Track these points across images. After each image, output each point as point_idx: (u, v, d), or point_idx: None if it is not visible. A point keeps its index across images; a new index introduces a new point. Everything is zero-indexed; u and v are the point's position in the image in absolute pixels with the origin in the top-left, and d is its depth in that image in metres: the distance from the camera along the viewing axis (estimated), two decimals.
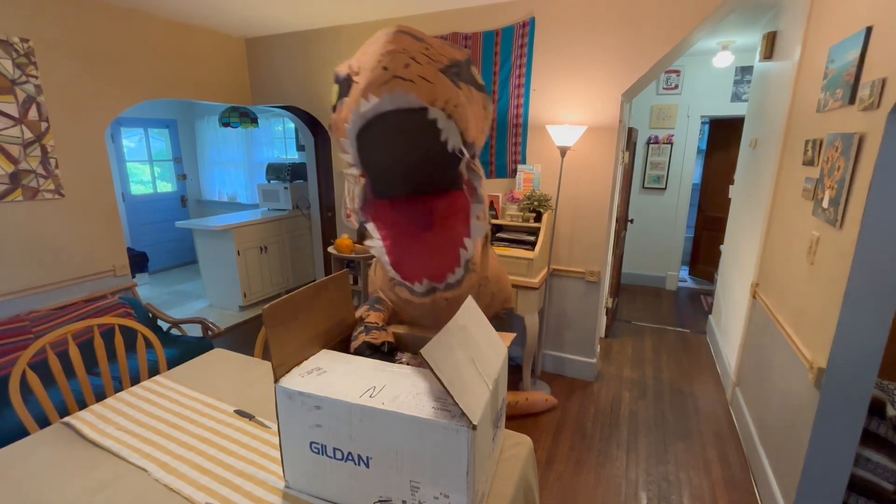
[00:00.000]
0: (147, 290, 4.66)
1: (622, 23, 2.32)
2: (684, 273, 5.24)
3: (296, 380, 0.96)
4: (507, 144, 2.72)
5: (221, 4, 2.62)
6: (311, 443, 0.94)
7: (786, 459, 1.68)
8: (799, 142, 1.95)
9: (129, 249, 4.80)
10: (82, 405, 1.87)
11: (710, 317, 3.66)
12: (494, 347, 1.06)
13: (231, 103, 3.44)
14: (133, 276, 4.79)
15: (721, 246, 3.61)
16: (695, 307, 4.26)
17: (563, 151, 2.44)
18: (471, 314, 0.98)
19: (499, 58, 2.60)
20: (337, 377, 0.98)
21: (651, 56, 2.30)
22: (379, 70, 0.76)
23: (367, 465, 0.90)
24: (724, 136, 4.67)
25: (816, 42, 1.87)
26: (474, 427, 0.79)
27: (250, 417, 1.29)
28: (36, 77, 2.22)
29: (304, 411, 0.93)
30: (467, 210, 1.01)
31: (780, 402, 1.82)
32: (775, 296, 2.03)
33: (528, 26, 2.50)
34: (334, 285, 1.13)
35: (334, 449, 0.92)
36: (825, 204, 1.54)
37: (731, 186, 3.52)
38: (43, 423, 1.66)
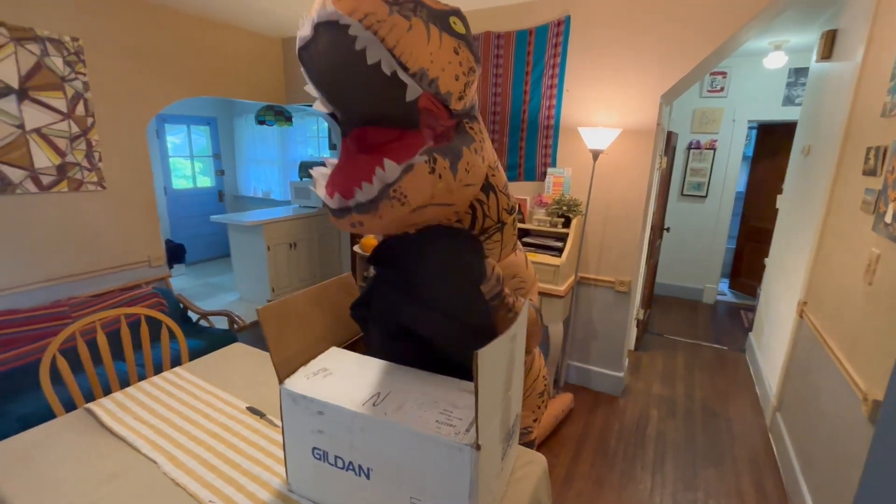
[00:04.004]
0: (183, 280, 4.85)
1: (663, 21, 2.20)
2: (724, 286, 4.96)
3: (301, 382, 0.93)
4: (537, 147, 2.64)
5: (261, 6, 2.68)
6: (314, 448, 0.92)
7: (831, 496, 1.53)
8: (859, 149, 1.78)
9: (168, 241, 5.02)
10: (108, 392, 1.94)
11: (750, 334, 3.44)
12: (519, 360, 1.00)
13: (267, 101, 3.52)
14: (171, 267, 5.00)
15: (765, 259, 3.38)
16: (734, 323, 4.01)
17: (596, 155, 2.34)
18: (521, 323, 0.92)
19: (531, 58, 2.53)
20: (343, 380, 0.95)
21: (693, 57, 2.17)
22: None
23: (368, 477, 0.86)
24: (772, 142, 4.39)
25: (882, 41, 1.70)
26: (478, 447, 0.74)
27: (261, 415, 1.29)
28: (84, 74, 2.33)
29: (307, 416, 0.90)
30: (417, 146, 0.93)
31: (826, 434, 1.66)
32: (826, 317, 1.86)
33: (563, 25, 2.41)
34: (337, 287, 1.10)
35: (335, 457, 0.89)
36: (888, 218, 1.39)
37: (779, 196, 3.29)
38: (71, 407, 1.73)
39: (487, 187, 1.16)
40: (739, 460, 2.19)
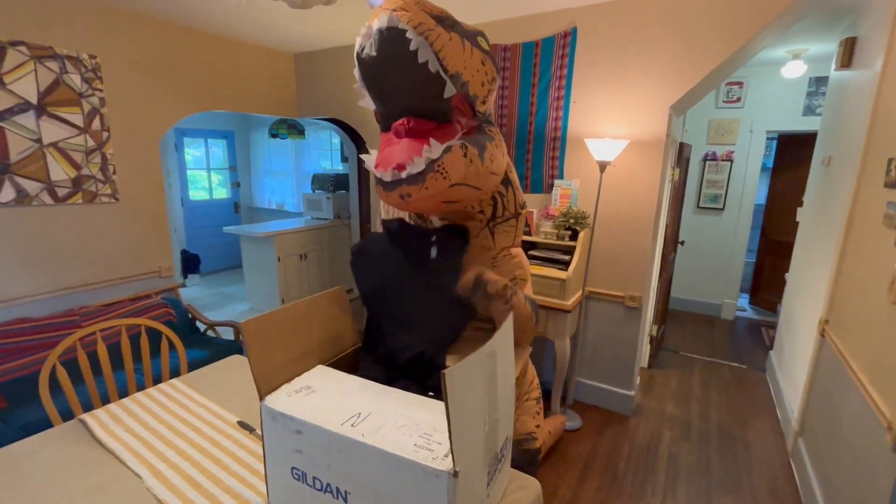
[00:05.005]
0: (197, 290, 4.93)
1: (671, 32, 2.16)
2: (744, 301, 4.79)
3: (282, 399, 0.91)
4: (543, 158, 2.61)
5: (273, 22, 2.74)
6: (293, 468, 0.89)
7: None
8: (881, 160, 1.69)
9: (184, 251, 5.12)
10: (106, 402, 1.95)
11: (770, 352, 3.29)
12: (506, 380, 0.95)
13: (279, 115, 3.59)
14: (185, 277, 5.09)
15: (786, 274, 3.25)
16: (754, 340, 3.85)
17: (603, 166, 2.29)
18: (503, 340, 0.89)
19: (538, 69, 2.51)
20: (325, 398, 0.92)
21: (702, 67, 2.11)
22: (377, 10, 1.01)
23: (346, 500, 0.83)
24: (794, 153, 4.26)
25: None
26: (455, 473, 0.70)
27: (251, 430, 1.27)
28: (101, 90, 2.41)
29: (286, 434, 0.88)
30: (451, 136, 1.13)
31: (850, 462, 1.56)
32: (848, 336, 1.76)
33: (570, 36, 2.39)
34: (328, 301, 1.09)
35: (313, 478, 0.86)
36: None
37: (798, 209, 3.17)
38: (71, 417, 1.74)
39: (507, 182, 1.36)
40: (758, 488, 2.07)
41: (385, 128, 1.23)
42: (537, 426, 1.82)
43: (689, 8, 2.11)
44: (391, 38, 1.00)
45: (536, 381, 1.82)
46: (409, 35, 0.98)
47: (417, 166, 1.06)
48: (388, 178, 1.10)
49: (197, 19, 2.67)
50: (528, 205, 2.71)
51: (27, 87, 2.14)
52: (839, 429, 1.70)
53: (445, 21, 1.06)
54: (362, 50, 1.05)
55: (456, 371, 0.64)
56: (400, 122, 1.17)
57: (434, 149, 1.06)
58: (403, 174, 1.07)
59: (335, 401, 0.92)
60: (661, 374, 3.16)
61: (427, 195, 1.08)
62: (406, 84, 1.09)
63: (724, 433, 2.49)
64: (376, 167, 1.14)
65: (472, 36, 1.13)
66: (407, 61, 1.02)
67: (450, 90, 1.08)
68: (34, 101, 2.17)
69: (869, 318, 1.57)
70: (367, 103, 1.19)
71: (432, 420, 0.85)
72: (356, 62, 1.10)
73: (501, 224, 1.38)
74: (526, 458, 1.77)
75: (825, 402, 1.91)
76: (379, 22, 0.99)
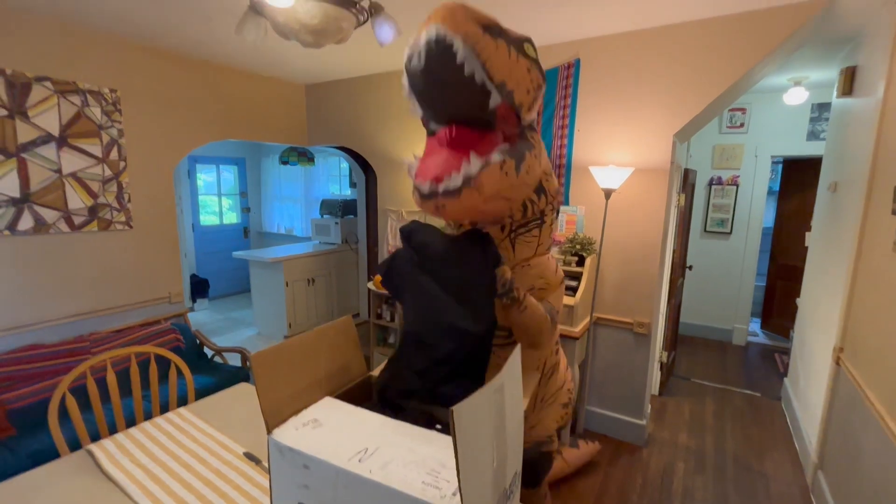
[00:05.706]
0: (206, 314, 4.95)
1: (673, 62, 2.22)
2: (755, 326, 4.71)
3: (289, 433, 0.91)
4: None
5: (286, 56, 2.85)
6: (299, 503, 0.88)
7: None
8: (886, 188, 1.70)
9: (193, 276, 5.17)
10: (114, 431, 1.94)
11: (785, 380, 3.21)
12: (515, 414, 0.94)
13: (290, 144, 3.68)
14: (194, 301, 5.13)
15: (798, 299, 3.20)
16: (767, 367, 3.77)
17: (608, 193, 2.31)
18: (511, 373, 0.88)
19: (542, 99, 2.57)
20: (332, 432, 0.92)
21: (706, 95, 2.15)
22: (426, 21, 1.01)
23: None
24: (799, 177, 4.27)
25: None
26: None
27: (257, 462, 1.26)
28: (120, 122, 2.50)
29: (293, 469, 0.87)
30: (493, 146, 1.13)
31: (874, 498, 1.50)
32: (864, 366, 1.72)
33: (573, 68, 2.46)
34: (335, 332, 1.09)
35: None
36: None
37: (807, 233, 3.15)
38: (79, 445, 1.73)
39: (540, 190, 1.33)
40: None
41: (431, 133, 1.25)
42: (558, 428, 1.77)
43: (690, 39, 2.17)
44: (438, 50, 1.01)
45: (570, 385, 1.77)
46: (455, 47, 0.99)
47: (454, 182, 1.07)
48: (425, 189, 1.11)
49: (213, 53, 2.79)
50: None
51: (50, 120, 2.23)
52: (860, 462, 1.65)
53: (493, 29, 1.05)
54: (409, 61, 1.08)
55: (464, 407, 0.64)
56: (444, 130, 1.19)
57: (473, 165, 1.07)
58: (440, 188, 1.08)
59: (342, 434, 0.91)
60: (672, 402, 3.09)
61: (462, 208, 1.11)
62: (451, 95, 1.11)
63: (740, 465, 2.41)
64: (416, 177, 1.16)
65: (518, 43, 1.12)
66: (453, 73, 1.02)
67: (495, 100, 1.08)
68: (56, 133, 2.25)
69: (884, 347, 1.54)
70: (415, 111, 1.23)
71: (440, 456, 0.84)
72: (405, 72, 1.13)
73: (523, 235, 1.35)
74: (542, 460, 1.71)
75: (844, 433, 1.86)
76: (427, 34, 1.00)
